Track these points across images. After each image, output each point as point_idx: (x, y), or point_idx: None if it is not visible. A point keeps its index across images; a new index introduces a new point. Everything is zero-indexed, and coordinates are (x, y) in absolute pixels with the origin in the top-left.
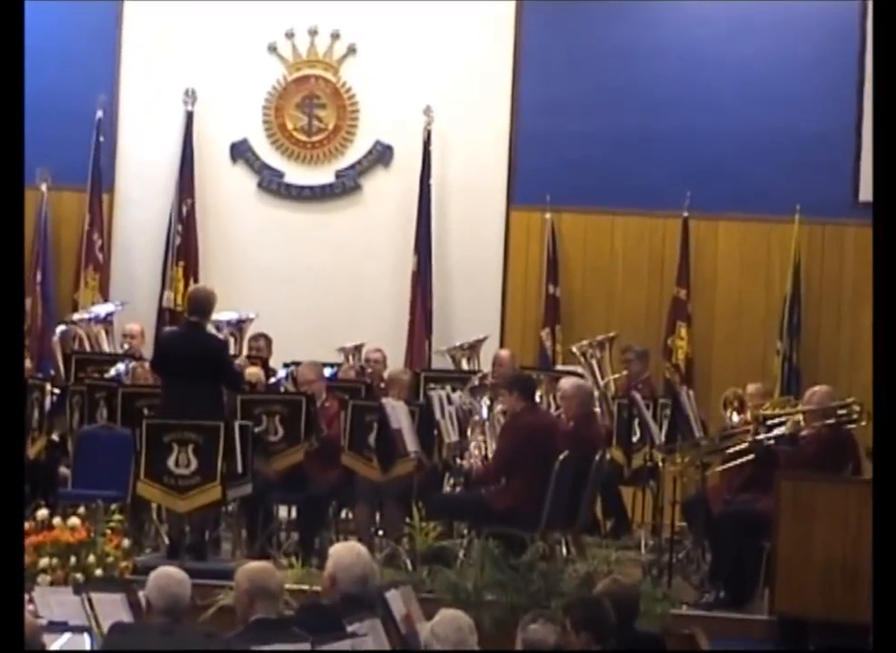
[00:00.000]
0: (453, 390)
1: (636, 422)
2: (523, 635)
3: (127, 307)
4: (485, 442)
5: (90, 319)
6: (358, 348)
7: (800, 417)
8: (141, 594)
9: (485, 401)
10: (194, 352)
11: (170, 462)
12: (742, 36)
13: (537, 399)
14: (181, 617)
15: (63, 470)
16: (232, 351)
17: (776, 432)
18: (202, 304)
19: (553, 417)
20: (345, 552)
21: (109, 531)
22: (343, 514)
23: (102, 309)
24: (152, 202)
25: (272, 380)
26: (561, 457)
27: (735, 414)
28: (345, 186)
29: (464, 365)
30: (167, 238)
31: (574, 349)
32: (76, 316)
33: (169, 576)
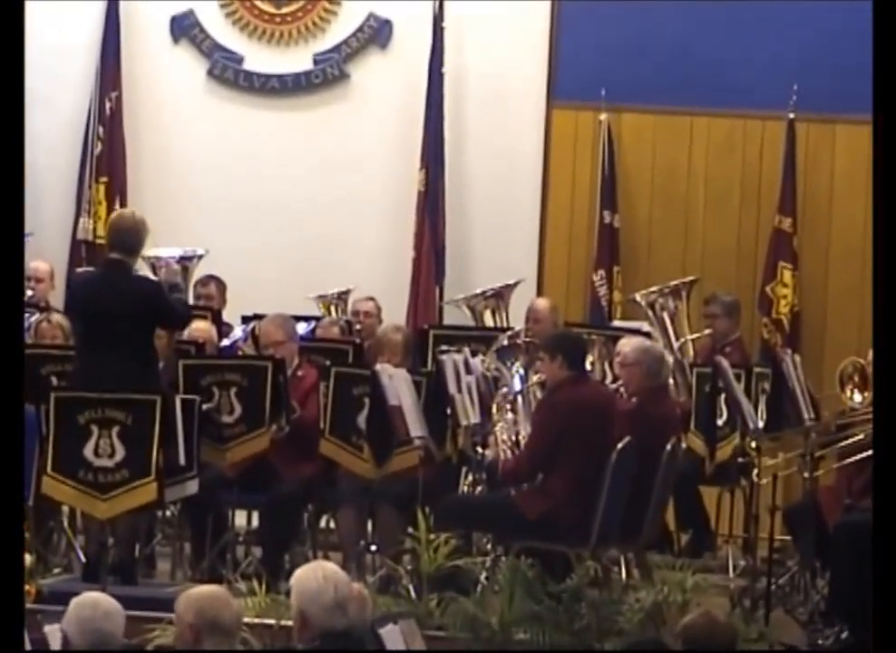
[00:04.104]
0: (473, 354)
1: (722, 398)
2: None
3: (30, 239)
4: (517, 424)
5: None
6: (343, 297)
7: None
8: (53, 628)
9: (518, 368)
10: (117, 301)
11: (88, 451)
12: None
13: (587, 367)
14: None
15: None
16: None
17: None
18: (127, 236)
19: (610, 392)
20: (306, 577)
21: None
22: (322, 522)
23: None
24: (64, 98)
25: (226, 340)
26: (620, 446)
27: (856, 392)
28: (327, 75)
29: (488, 320)
30: (84, 147)
31: (638, 299)
32: None
33: (94, 605)
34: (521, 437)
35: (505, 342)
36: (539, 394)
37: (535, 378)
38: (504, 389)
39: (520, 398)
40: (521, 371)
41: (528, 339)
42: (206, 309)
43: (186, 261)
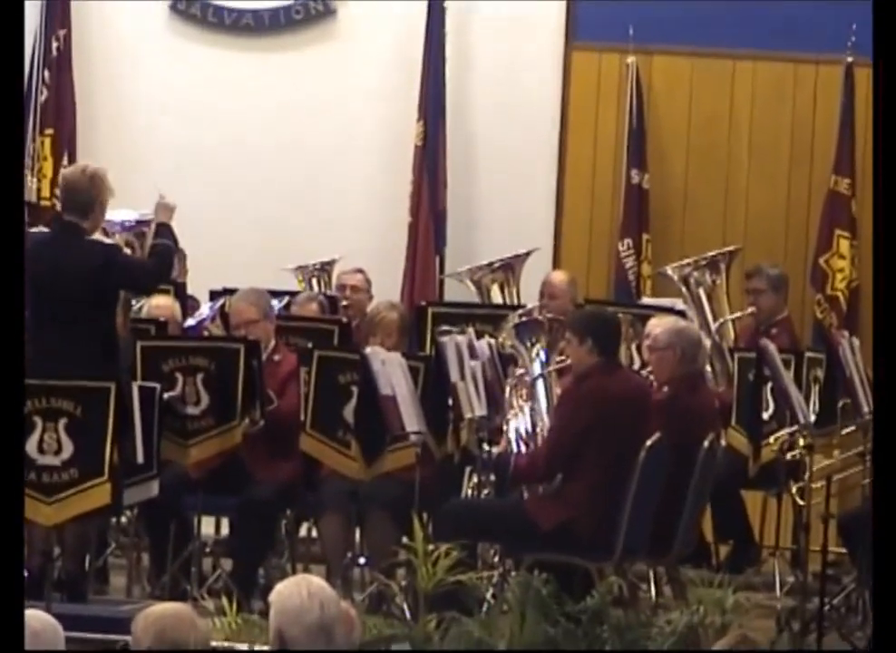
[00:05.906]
0: (479, 335)
1: (767, 388)
2: None
3: None
4: (533, 413)
5: None
6: (327, 268)
7: None
8: None
9: (538, 349)
10: (69, 269)
11: (31, 447)
12: None
13: None
14: None
15: None
16: None
17: None
18: (81, 195)
19: (639, 381)
20: (288, 593)
21: None
22: (303, 531)
23: None
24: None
25: (191, 319)
26: (649, 443)
27: None
28: (310, 10)
29: (496, 297)
30: (27, 95)
31: (670, 272)
32: None
33: (28, 625)
34: (538, 429)
35: (520, 318)
36: (558, 390)
37: (556, 361)
38: (520, 371)
39: (539, 384)
40: (543, 353)
41: (552, 316)
42: (167, 283)
43: (142, 226)
